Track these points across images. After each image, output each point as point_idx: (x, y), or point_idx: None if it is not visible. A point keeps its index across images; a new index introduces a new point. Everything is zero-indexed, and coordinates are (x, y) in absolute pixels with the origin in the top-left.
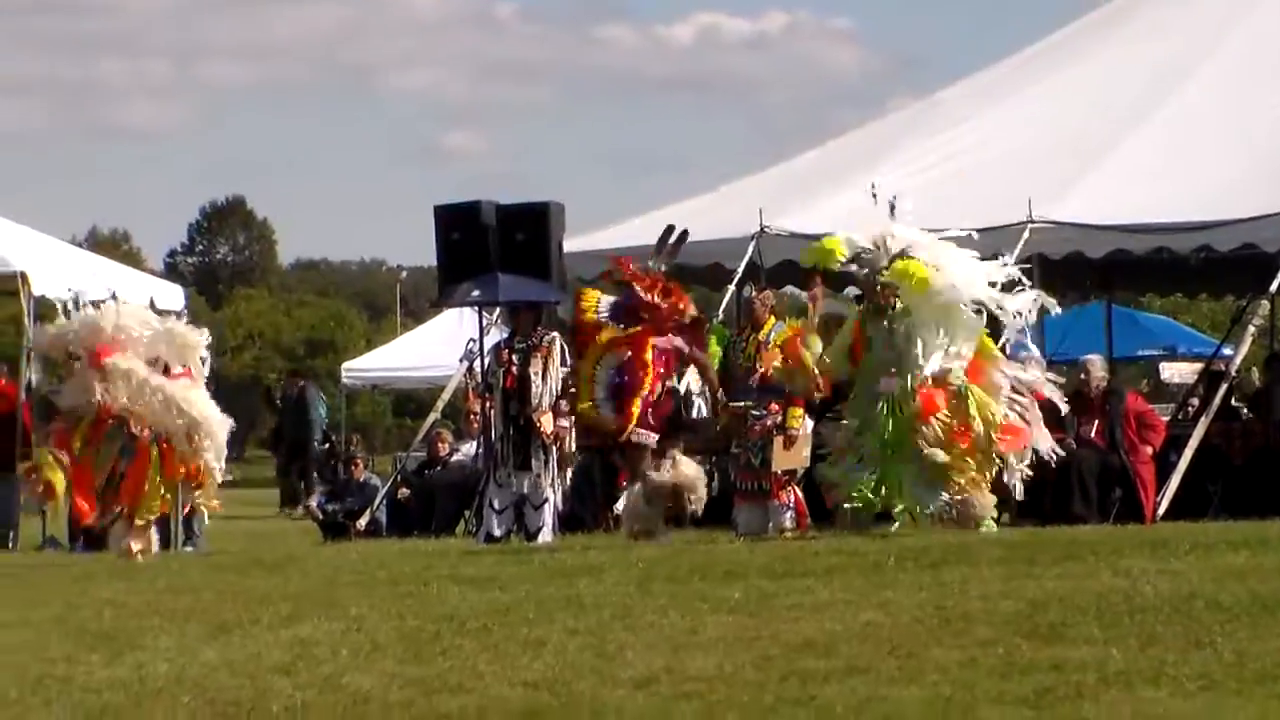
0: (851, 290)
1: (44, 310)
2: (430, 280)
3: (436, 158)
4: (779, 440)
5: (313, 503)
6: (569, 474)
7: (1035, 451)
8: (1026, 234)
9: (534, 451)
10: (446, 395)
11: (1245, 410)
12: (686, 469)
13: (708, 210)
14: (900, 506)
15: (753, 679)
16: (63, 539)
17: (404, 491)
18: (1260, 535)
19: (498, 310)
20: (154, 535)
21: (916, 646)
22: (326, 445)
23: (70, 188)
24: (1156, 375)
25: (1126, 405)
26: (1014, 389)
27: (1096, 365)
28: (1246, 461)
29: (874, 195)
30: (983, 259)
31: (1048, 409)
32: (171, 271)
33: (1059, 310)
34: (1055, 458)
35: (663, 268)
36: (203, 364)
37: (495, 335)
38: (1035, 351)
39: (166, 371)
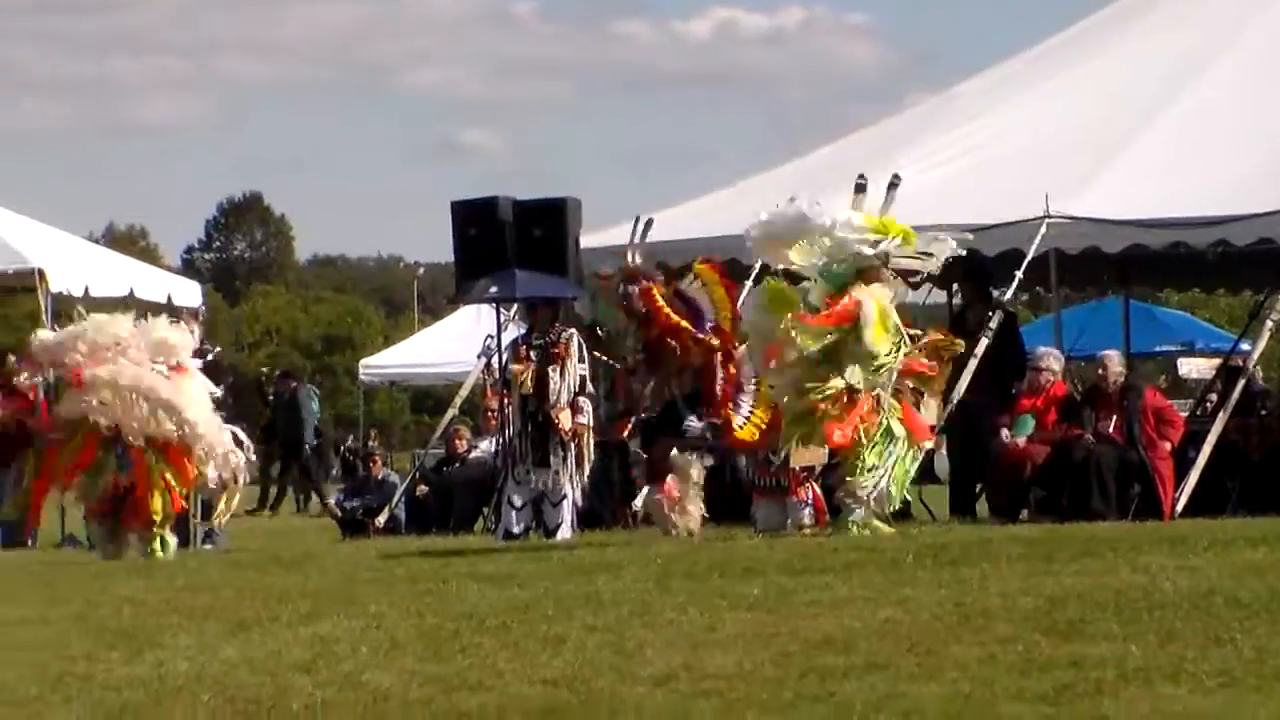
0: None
1: (61, 306)
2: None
3: (453, 154)
4: None
5: (331, 500)
6: (587, 470)
7: None
8: (1043, 229)
9: (552, 448)
10: (464, 392)
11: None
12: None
13: (725, 206)
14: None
15: (772, 676)
16: (81, 537)
17: (422, 488)
18: (1279, 531)
19: (515, 306)
20: (170, 536)
21: (936, 643)
22: (317, 443)
23: (87, 185)
24: (1174, 371)
25: (1145, 401)
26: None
27: (1114, 361)
28: (1265, 457)
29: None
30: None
31: (1065, 404)
32: (189, 268)
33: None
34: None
35: (638, 260)
36: (203, 358)
37: (513, 331)
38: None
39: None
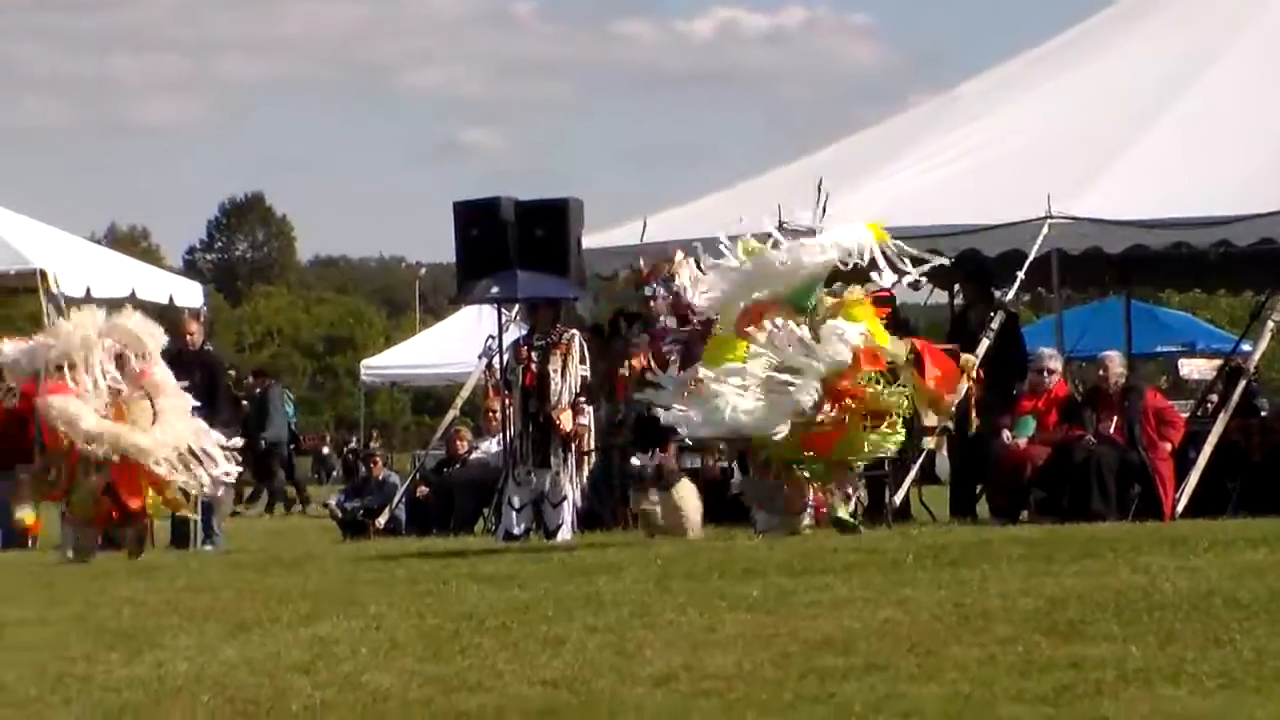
0: (872, 285)
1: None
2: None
3: (455, 154)
4: None
5: (332, 501)
6: (587, 471)
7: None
8: (1045, 229)
9: (553, 449)
10: (465, 392)
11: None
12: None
13: (726, 206)
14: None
15: (771, 676)
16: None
17: (423, 489)
18: (1279, 532)
19: (517, 307)
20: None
21: (935, 644)
22: (294, 445)
23: (89, 185)
24: (1175, 371)
25: (1145, 401)
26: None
27: (1115, 361)
28: (1265, 458)
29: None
30: (999, 255)
31: (1066, 404)
32: (190, 268)
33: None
34: None
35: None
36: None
37: (514, 332)
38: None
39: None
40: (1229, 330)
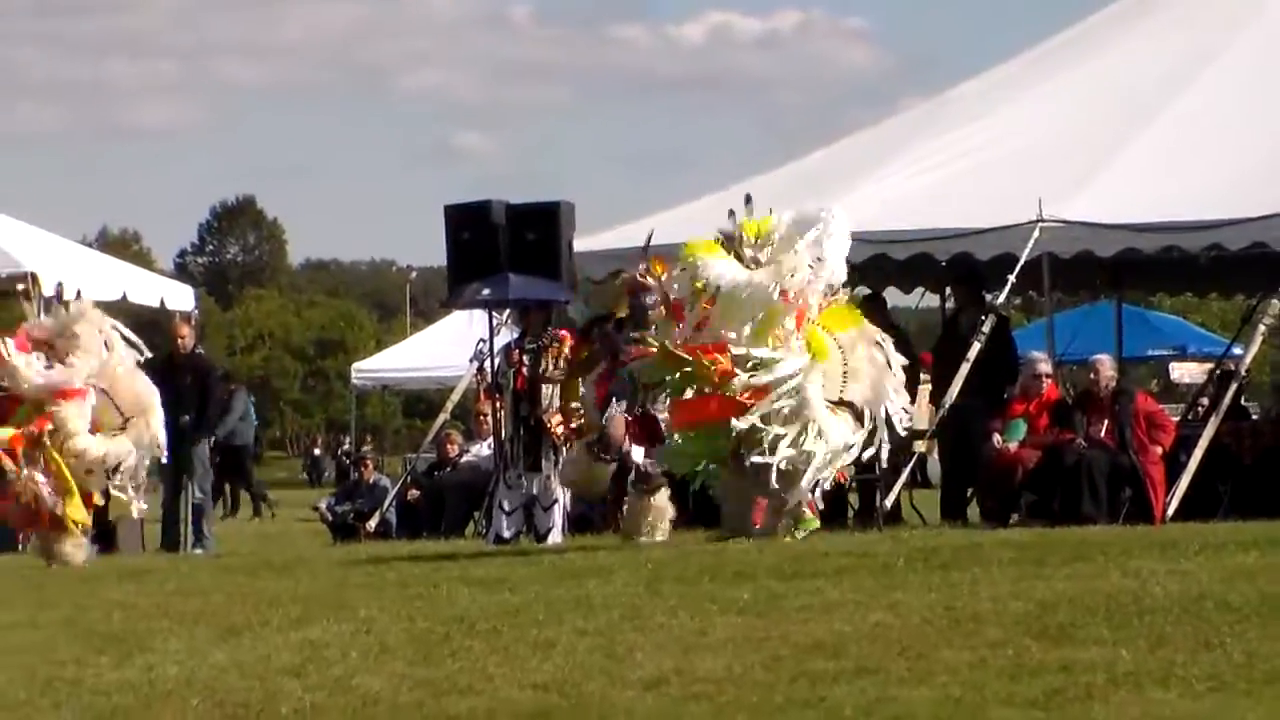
0: (862, 289)
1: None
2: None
3: (448, 158)
4: None
5: (321, 504)
6: None
7: None
8: (1036, 233)
9: (544, 453)
10: (456, 396)
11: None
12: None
13: (719, 209)
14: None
15: (762, 680)
16: None
17: (414, 493)
18: (1270, 535)
19: (508, 310)
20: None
21: (926, 647)
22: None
23: (80, 188)
24: (1166, 375)
25: (1136, 405)
26: None
27: (1106, 365)
28: (1256, 461)
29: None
30: (990, 259)
31: (1057, 408)
32: (181, 271)
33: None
34: None
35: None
36: (114, 343)
37: (505, 335)
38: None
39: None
40: (1220, 334)
